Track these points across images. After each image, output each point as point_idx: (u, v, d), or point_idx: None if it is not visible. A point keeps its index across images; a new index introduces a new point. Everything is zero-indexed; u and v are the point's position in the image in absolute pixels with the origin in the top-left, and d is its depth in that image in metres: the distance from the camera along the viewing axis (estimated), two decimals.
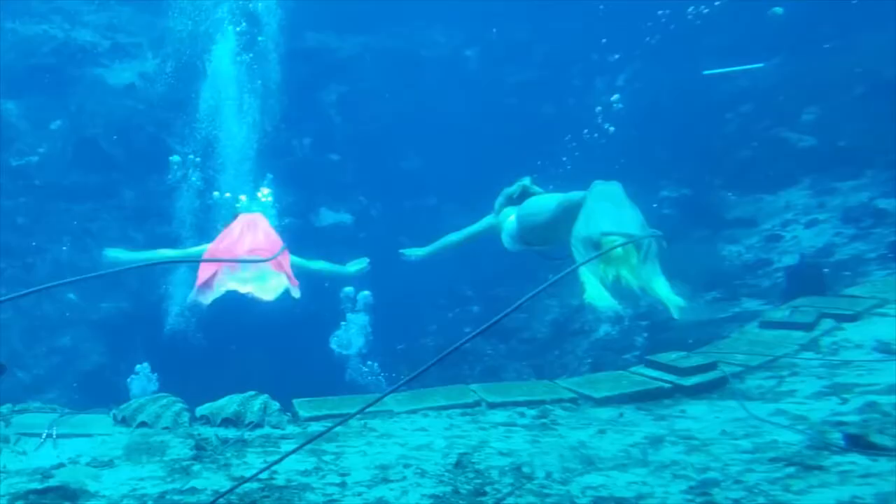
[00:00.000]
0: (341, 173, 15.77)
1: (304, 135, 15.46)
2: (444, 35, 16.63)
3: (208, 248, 7.06)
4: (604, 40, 14.16)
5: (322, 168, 15.50)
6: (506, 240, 6.39)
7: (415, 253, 7.52)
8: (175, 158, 13.46)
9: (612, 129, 13.65)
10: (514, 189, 6.44)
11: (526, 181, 6.43)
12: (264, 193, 12.08)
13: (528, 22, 16.11)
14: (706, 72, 14.97)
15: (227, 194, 12.43)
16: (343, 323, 12.91)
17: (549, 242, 6.25)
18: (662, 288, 4.95)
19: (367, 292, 12.92)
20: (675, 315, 4.88)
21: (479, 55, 16.56)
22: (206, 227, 11.61)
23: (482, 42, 16.52)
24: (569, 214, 5.33)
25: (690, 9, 13.95)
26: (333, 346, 12.86)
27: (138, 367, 12.28)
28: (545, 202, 5.71)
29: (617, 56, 14.45)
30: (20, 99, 14.49)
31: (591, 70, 14.79)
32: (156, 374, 12.15)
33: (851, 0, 13.38)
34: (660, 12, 14.07)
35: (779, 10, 14.18)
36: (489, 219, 6.66)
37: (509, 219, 6.24)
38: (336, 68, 15.99)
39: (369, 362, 12.82)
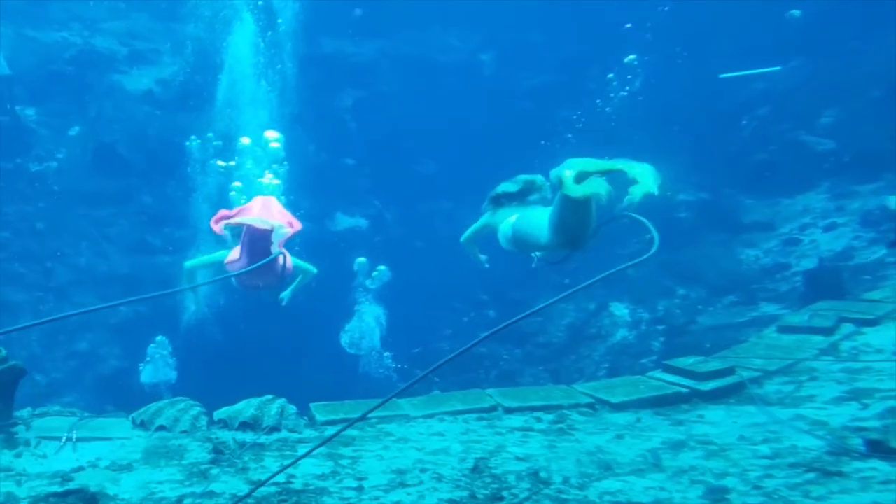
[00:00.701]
0: (357, 178, 15.83)
1: (319, 139, 15.52)
2: (460, 39, 16.67)
3: (219, 214, 6.95)
4: (619, 43, 14.14)
5: (337, 173, 15.56)
6: (501, 239, 6.22)
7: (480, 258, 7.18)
8: (194, 142, 13.48)
9: (628, 88, 13.66)
10: (514, 186, 6.16)
11: (525, 178, 6.16)
12: (273, 138, 12.11)
13: (544, 26, 16.10)
14: (723, 75, 14.89)
15: (232, 162, 12.53)
16: (357, 308, 12.95)
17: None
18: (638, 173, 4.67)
19: (383, 267, 12.97)
20: (634, 199, 4.60)
21: (495, 59, 16.58)
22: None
23: (498, 46, 16.54)
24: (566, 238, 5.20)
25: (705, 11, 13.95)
26: (344, 342, 12.87)
27: (151, 347, 12.27)
28: (543, 225, 5.47)
29: (632, 59, 14.42)
30: (40, 105, 14.67)
31: (607, 74, 14.76)
32: (174, 360, 12.21)
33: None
34: (675, 16, 14.05)
35: (796, 12, 14.11)
36: (486, 218, 6.46)
37: (508, 219, 6.01)
38: (352, 73, 16.06)
39: (384, 354, 12.85)
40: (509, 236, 5.92)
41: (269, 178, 11.88)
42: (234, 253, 6.83)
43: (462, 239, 6.64)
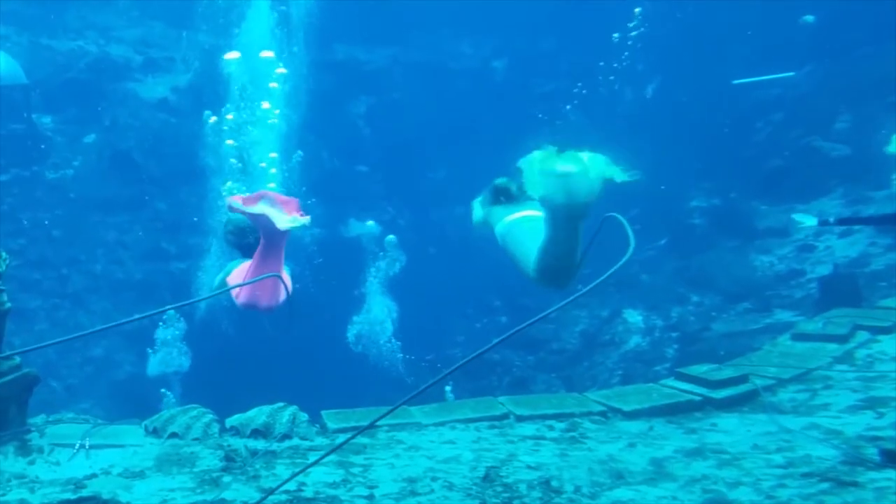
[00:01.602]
0: (370, 184, 15.87)
1: (332, 146, 15.58)
2: (473, 46, 16.69)
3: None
4: (630, 48, 14.14)
5: (350, 179, 15.61)
6: (497, 238, 6.02)
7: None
8: (208, 117, 13.46)
9: (636, 46, 13.66)
10: (512, 186, 5.93)
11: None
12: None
13: (556, 32, 16.10)
14: (736, 81, 14.83)
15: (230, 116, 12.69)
16: (367, 290, 12.98)
17: None
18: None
19: (392, 237, 12.97)
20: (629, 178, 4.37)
21: (507, 66, 16.59)
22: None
23: (510, 53, 16.55)
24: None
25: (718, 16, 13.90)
26: (352, 335, 12.90)
27: (160, 329, 12.25)
28: (529, 249, 5.20)
29: (645, 65, 14.40)
30: (56, 113, 14.81)
31: (619, 80, 14.74)
32: (185, 346, 12.21)
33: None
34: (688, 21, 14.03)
35: (809, 18, 14.04)
36: (481, 212, 6.26)
37: (504, 219, 5.76)
38: (365, 80, 16.11)
39: (394, 342, 12.86)
40: (503, 238, 5.72)
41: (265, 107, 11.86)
42: (239, 269, 6.69)
43: (474, 223, 6.48)
